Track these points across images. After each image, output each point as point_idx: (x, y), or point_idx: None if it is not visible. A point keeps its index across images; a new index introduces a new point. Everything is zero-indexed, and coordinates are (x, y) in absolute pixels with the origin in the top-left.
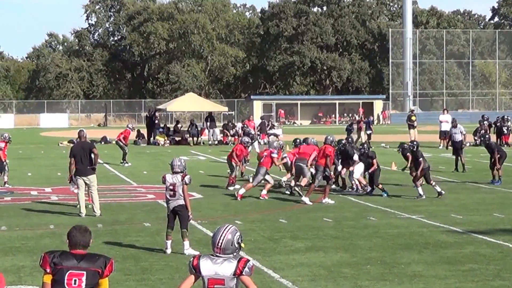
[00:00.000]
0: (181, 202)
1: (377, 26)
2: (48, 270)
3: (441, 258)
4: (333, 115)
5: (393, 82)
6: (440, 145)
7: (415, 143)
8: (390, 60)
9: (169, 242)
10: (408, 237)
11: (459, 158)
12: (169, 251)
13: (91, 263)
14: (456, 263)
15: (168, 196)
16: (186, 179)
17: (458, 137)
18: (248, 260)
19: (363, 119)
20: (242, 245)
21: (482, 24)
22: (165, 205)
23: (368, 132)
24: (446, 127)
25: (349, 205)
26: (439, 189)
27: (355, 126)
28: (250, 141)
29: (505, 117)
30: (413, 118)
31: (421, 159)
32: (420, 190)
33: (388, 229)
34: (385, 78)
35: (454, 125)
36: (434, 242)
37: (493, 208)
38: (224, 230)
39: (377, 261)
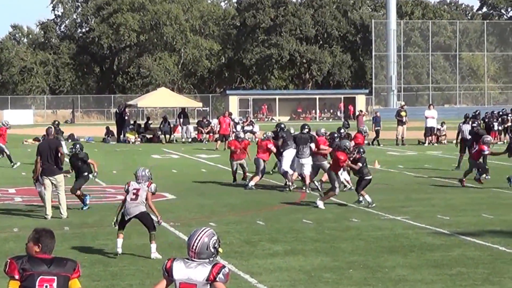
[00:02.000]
0: (143, 208)
1: (359, 17)
2: (16, 277)
3: (427, 261)
4: (313, 111)
5: (376, 76)
6: (425, 142)
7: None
8: (373, 53)
9: (120, 240)
10: (392, 239)
11: (463, 156)
12: (120, 250)
13: (60, 268)
14: (443, 266)
15: (129, 199)
16: (152, 186)
17: (467, 134)
18: (224, 266)
19: (362, 113)
20: (220, 250)
21: (469, 14)
22: (123, 206)
23: (376, 128)
24: (432, 123)
25: (330, 206)
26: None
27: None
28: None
29: (495, 112)
30: (403, 113)
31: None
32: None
33: (372, 231)
34: (368, 71)
35: (466, 122)
36: (420, 245)
37: (482, 208)
38: (201, 233)
39: (359, 265)
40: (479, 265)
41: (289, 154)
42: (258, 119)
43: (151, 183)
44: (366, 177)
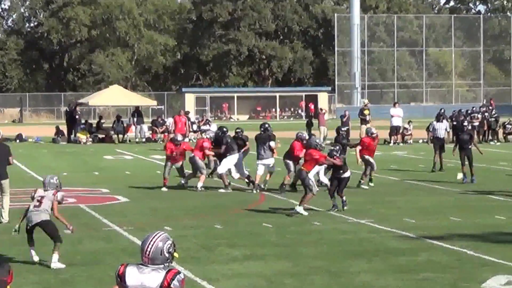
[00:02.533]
0: (45, 217)
1: (321, 10)
2: None
3: (392, 266)
4: (273, 109)
5: (339, 72)
6: (390, 142)
7: None
8: (336, 49)
9: (31, 249)
10: (356, 243)
11: (438, 156)
12: (36, 258)
13: None
14: (409, 271)
15: (32, 207)
16: (59, 195)
17: (442, 133)
18: (179, 272)
19: (322, 111)
20: (176, 254)
21: (436, 8)
22: (26, 214)
23: (345, 128)
24: (397, 122)
25: (291, 208)
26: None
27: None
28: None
29: (463, 110)
30: (366, 112)
31: None
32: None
33: (335, 235)
34: (330, 68)
35: (438, 119)
36: (385, 249)
37: (450, 211)
38: (154, 237)
39: (322, 271)
40: (446, 270)
41: (231, 158)
42: (217, 118)
43: (57, 191)
44: (345, 175)
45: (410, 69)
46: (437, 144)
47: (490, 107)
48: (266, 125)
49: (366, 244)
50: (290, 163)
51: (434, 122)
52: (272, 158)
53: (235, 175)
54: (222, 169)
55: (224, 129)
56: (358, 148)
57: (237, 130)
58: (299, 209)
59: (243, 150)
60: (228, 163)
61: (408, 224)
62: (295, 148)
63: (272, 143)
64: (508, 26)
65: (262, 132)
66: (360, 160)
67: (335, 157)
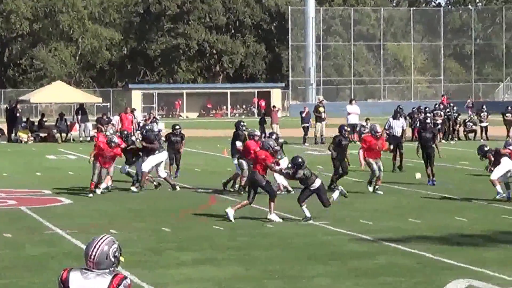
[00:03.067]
0: None
1: (274, 3)
2: None
3: (349, 270)
4: (224, 107)
5: (293, 68)
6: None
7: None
8: (290, 43)
9: None
10: (312, 246)
11: (397, 155)
12: None
13: None
14: (367, 275)
15: None
16: None
17: (399, 131)
18: (125, 277)
19: (275, 108)
20: (122, 259)
21: (394, 1)
22: None
23: (304, 125)
24: (354, 119)
25: (244, 210)
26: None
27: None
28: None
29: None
30: (321, 109)
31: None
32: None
33: (289, 238)
34: (284, 63)
35: (395, 117)
36: (342, 252)
37: (409, 212)
38: (99, 240)
39: (276, 275)
40: (405, 274)
41: (157, 156)
42: (164, 116)
43: None
44: (314, 186)
45: (367, 65)
46: (393, 143)
47: (451, 104)
48: (178, 127)
49: (322, 247)
50: (244, 163)
51: (390, 119)
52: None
53: (162, 173)
54: (146, 167)
55: (147, 126)
56: (361, 149)
57: (176, 127)
58: (273, 217)
59: (178, 148)
60: (154, 160)
61: (366, 226)
62: (250, 147)
63: (238, 143)
64: (470, 20)
65: (175, 133)
66: (364, 163)
67: (283, 169)
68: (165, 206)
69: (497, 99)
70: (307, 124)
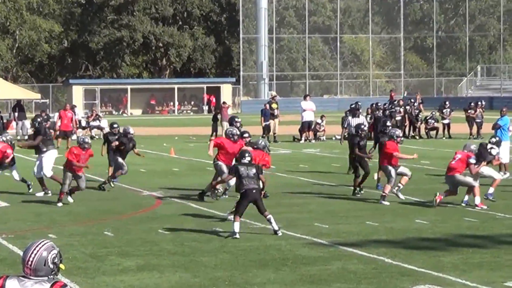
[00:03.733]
0: None
1: None
2: None
3: (302, 276)
4: (171, 103)
5: (244, 62)
6: (301, 139)
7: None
8: (241, 36)
9: None
10: (262, 251)
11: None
12: None
13: None
14: (321, 282)
15: None
16: None
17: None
18: (65, 285)
19: (225, 105)
20: (62, 266)
21: None
22: None
23: (265, 123)
24: (309, 116)
25: (190, 213)
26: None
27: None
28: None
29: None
30: (274, 106)
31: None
32: None
33: (238, 242)
34: (234, 57)
35: (354, 114)
36: (294, 257)
37: (366, 215)
38: (38, 246)
39: (224, 282)
40: (362, 280)
41: (50, 154)
42: (107, 113)
43: None
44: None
45: (323, 58)
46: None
47: (412, 100)
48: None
49: (273, 252)
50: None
51: (350, 118)
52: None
53: (16, 176)
54: (48, 171)
55: (39, 119)
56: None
57: (114, 126)
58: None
59: (115, 147)
60: (50, 160)
61: (320, 229)
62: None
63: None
64: (431, 11)
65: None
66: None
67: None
68: (107, 208)
69: (460, 95)
70: (267, 123)
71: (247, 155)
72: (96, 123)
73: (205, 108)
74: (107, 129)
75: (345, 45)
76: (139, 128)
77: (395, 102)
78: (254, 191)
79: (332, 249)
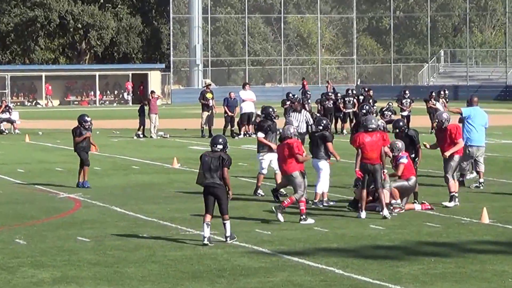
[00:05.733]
0: None
1: None
2: None
3: None
4: (92, 92)
5: (175, 46)
6: (240, 134)
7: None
8: (171, 15)
9: None
10: (196, 261)
11: None
12: None
13: None
14: None
15: None
16: None
17: (303, 127)
18: None
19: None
20: None
21: None
22: None
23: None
24: (249, 108)
25: (114, 217)
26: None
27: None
28: None
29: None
30: (209, 95)
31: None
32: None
33: (168, 251)
34: (164, 40)
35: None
36: (232, 268)
37: (314, 220)
38: None
39: None
40: None
41: None
42: (19, 104)
43: None
44: None
45: (265, 42)
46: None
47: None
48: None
49: (208, 262)
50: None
51: (291, 113)
52: None
53: None
54: None
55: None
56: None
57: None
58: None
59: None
60: None
61: (261, 236)
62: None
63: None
64: None
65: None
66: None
67: None
68: (18, 212)
69: (420, 83)
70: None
71: None
72: (5, 115)
73: (129, 98)
74: (18, 122)
75: (290, 26)
76: (55, 122)
77: (349, 92)
78: None
79: (275, 259)
